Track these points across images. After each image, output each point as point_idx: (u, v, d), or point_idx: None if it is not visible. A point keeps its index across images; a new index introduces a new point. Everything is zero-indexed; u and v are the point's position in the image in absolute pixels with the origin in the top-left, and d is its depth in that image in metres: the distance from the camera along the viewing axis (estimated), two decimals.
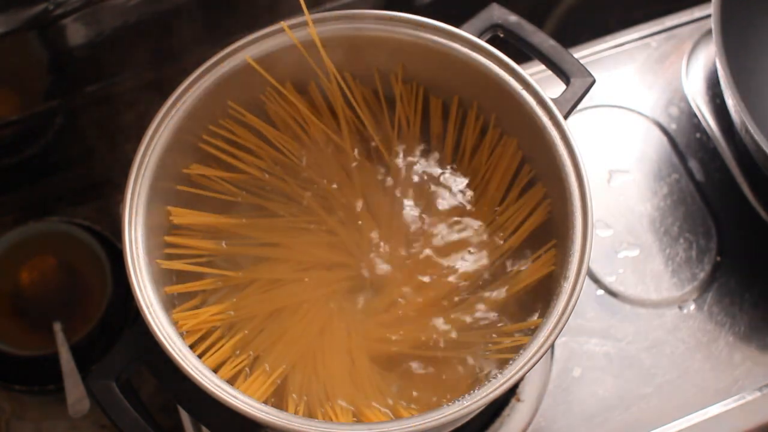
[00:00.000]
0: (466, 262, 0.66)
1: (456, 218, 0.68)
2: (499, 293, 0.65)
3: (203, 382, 0.56)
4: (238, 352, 0.64)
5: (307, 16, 0.65)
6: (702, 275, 0.83)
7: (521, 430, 0.77)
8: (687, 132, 0.89)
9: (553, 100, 0.64)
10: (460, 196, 0.69)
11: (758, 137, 0.75)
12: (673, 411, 0.78)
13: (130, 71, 0.88)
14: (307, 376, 0.63)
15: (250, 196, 0.69)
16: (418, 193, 0.69)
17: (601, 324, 0.81)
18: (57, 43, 0.82)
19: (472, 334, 0.64)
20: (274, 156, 0.69)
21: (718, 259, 0.84)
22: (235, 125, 0.68)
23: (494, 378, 0.57)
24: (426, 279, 0.66)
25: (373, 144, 0.70)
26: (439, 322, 0.65)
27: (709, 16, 0.84)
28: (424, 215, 0.68)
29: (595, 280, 0.82)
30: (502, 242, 0.67)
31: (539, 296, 0.65)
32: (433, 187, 0.69)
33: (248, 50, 0.65)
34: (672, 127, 0.89)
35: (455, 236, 0.67)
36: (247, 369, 0.63)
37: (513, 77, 0.65)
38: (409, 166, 0.69)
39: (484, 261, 0.66)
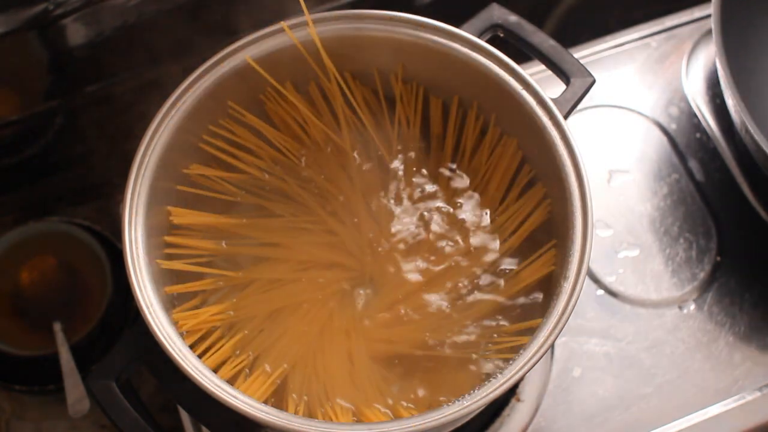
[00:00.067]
0: (466, 262, 0.66)
1: (455, 218, 0.68)
2: (499, 293, 0.65)
3: (203, 382, 0.56)
4: (238, 352, 0.64)
5: (307, 16, 0.65)
6: (702, 275, 0.83)
7: (521, 430, 0.77)
8: (687, 132, 0.89)
9: (553, 100, 0.64)
10: (459, 196, 0.69)
11: (758, 137, 0.75)
12: (673, 411, 0.78)
13: (130, 71, 0.88)
14: (307, 376, 0.63)
15: (250, 196, 0.69)
16: (417, 193, 0.69)
17: (601, 324, 0.81)
18: (57, 43, 0.82)
19: (472, 334, 0.64)
20: (274, 156, 0.69)
21: (718, 259, 0.84)
22: (235, 125, 0.68)
23: (494, 378, 0.57)
24: (426, 279, 0.66)
25: (372, 144, 0.70)
26: (439, 322, 0.65)
27: (709, 16, 0.84)
28: (423, 215, 0.68)
29: (595, 280, 0.82)
30: (502, 242, 0.67)
31: (539, 296, 0.65)
32: (432, 188, 0.69)
33: (248, 50, 0.65)
34: (672, 127, 0.89)
35: (455, 236, 0.67)
36: (247, 369, 0.63)
37: (513, 77, 0.65)
38: (409, 166, 0.69)
39: (484, 261, 0.66)
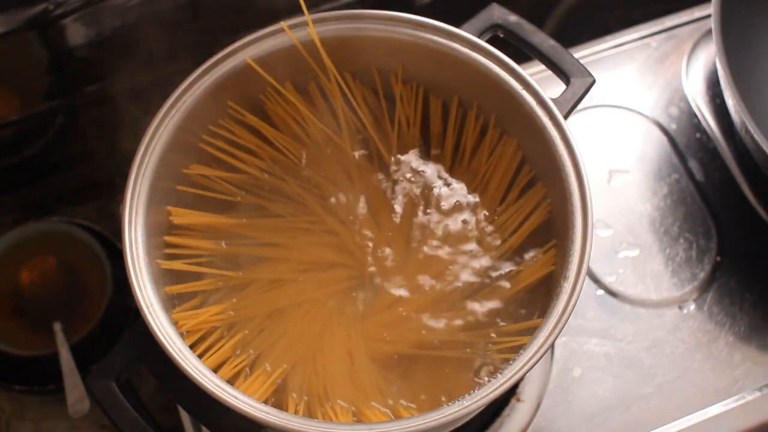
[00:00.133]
0: (466, 262, 0.66)
1: (456, 218, 0.68)
2: (499, 293, 0.65)
3: (203, 382, 0.56)
4: (238, 352, 0.64)
5: (307, 16, 0.65)
6: (702, 275, 0.83)
7: (521, 430, 0.77)
8: (687, 132, 0.89)
9: (553, 100, 0.64)
10: (459, 196, 0.69)
11: (758, 137, 0.75)
12: (673, 411, 0.78)
13: (130, 71, 0.88)
14: (307, 376, 0.63)
15: (250, 196, 0.69)
16: (417, 193, 0.69)
17: (601, 324, 0.81)
18: (57, 43, 0.82)
19: (472, 334, 0.64)
20: (274, 156, 0.69)
21: (718, 259, 0.84)
22: (235, 125, 0.68)
23: (494, 378, 0.57)
24: (426, 279, 0.66)
25: (373, 144, 0.70)
26: (439, 322, 0.65)
27: (709, 16, 0.84)
28: (423, 215, 0.68)
29: (595, 280, 0.82)
30: (502, 242, 0.67)
31: (539, 296, 0.65)
32: (432, 188, 0.69)
33: (248, 50, 0.65)
34: (672, 127, 0.89)
35: (455, 236, 0.67)
36: (247, 369, 0.63)
37: (513, 77, 0.65)
38: (409, 166, 0.69)
39: (484, 261, 0.66)
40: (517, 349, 0.58)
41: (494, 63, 0.65)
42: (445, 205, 0.68)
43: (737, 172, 0.87)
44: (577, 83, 0.66)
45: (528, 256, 0.66)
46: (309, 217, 0.68)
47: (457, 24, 0.67)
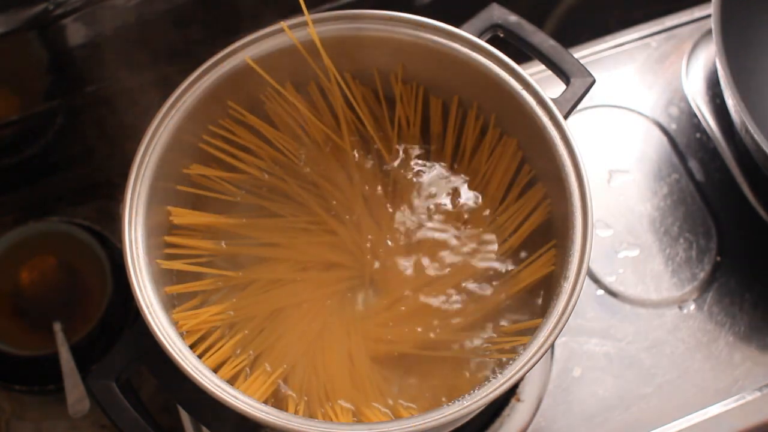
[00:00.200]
0: (466, 262, 0.66)
1: (455, 218, 0.68)
2: (499, 293, 0.65)
3: (203, 382, 0.56)
4: (238, 352, 0.64)
5: (307, 16, 0.65)
6: (702, 275, 0.83)
7: (521, 430, 0.77)
8: (687, 132, 0.89)
9: (553, 100, 0.64)
10: (459, 196, 0.69)
11: (758, 137, 0.75)
12: (673, 411, 0.78)
13: (130, 71, 0.88)
14: (307, 376, 0.63)
15: (250, 196, 0.69)
16: (417, 193, 0.69)
17: (601, 324, 0.81)
18: (57, 43, 0.82)
19: (472, 334, 0.64)
20: (274, 156, 0.69)
21: (718, 259, 0.84)
22: (235, 125, 0.68)
23: (494, 378, 0.57)
24: (425, 279, 0.66)
25: (373, 144, 0.70)
26: (439, 322, 0.65)
27: (709, 16, 0.84)
28: (423, 215, 0.68)
29: (595, 280, 0.82)
30: (502, 242, 0.67)
31: (539, 296, 0.65)
32: (432, 188, 0.69)
33: (248, 50, 0.65)
34: (672, 127, 0.89)
35: (455, 236, 0.67)
36: (247, 369, 0.63)
37: (513, 77, 0.64)
38: (409, 166, 0.69)
39: (484, 261, 0.66)
40: (517, 349, 0.58)
41: (494, 63, 0.65)
42: (445, 205, 0.68)
43: (737, 172, 0.87)
44: (577, 83, 0.66)
45: (528, 256, 0.66)
46: (309, 217, 0.68)
47: (457, 24, 0.67)
